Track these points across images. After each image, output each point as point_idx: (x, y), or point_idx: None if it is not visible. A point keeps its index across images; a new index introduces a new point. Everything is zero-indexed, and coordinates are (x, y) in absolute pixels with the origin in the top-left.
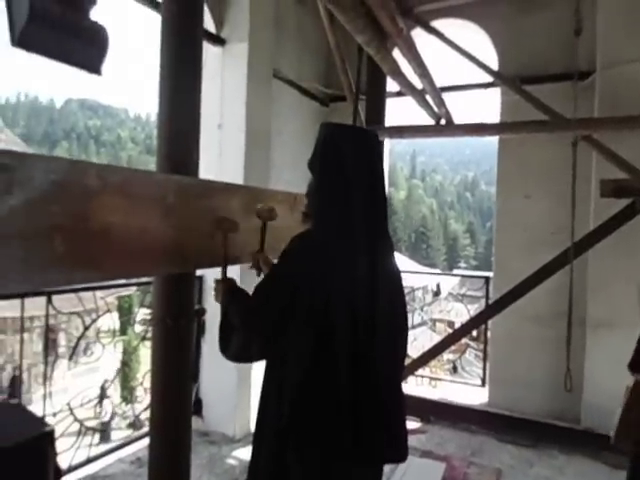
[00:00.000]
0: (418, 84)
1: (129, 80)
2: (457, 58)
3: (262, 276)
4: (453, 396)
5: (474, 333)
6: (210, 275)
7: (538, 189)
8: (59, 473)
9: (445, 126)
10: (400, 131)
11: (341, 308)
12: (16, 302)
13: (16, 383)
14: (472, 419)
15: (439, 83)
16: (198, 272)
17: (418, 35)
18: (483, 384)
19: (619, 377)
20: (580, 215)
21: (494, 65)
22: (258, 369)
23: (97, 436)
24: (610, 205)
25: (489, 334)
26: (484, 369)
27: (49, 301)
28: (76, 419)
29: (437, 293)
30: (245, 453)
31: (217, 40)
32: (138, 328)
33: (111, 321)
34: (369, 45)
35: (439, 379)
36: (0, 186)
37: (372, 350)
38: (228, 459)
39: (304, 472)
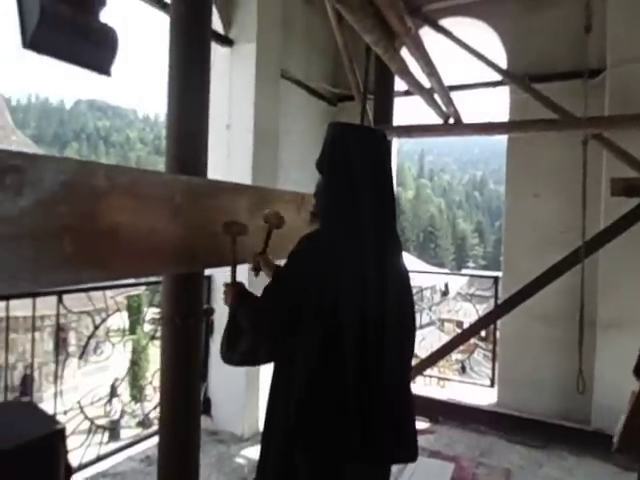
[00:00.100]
0: (426, 83)
1: (138, 81)
2: (465, 57)
3: (261, 276)
4: (462, 396)
5: (483, 333)
6: (218, 275)
7: (547, 188)
8: (70, 470)
9: (453, 125)
10: (408, 130)
11: (349, 308)
12: (27, 301)
13: (27, 381)
14: (481, 419)
15: (447, 82)
16: (207, 272)
17: (426, 34)
18: (492, 384)
19: (630, 378)
20: (590, 214)
21: (503, 63)
22: (266, 369)
23: (106, 434)
24: (621, 204)
25: (498, 334)
26: (493, 369)
27: (60, 300)
28: (86, 417)
29: (445, 293)
30: (253, 452)
31: (225, 41)
32: (147, 327)
33: (120, 320)
34: (377, 44)
35: (447, 379)
36: (11, 187)
37: (381, 350)
38: (237, 458)
39: (312, 472)
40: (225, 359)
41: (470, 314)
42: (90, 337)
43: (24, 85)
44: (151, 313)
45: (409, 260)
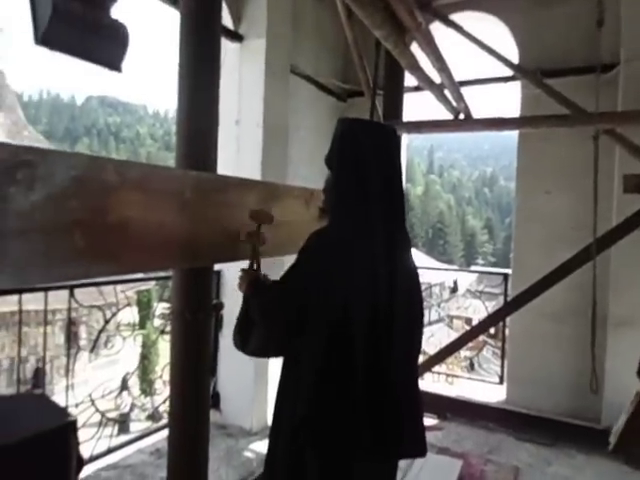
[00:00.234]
0: (436, 78)
1: (148, 76)
2: (476, 52)
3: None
4: (470, 393)
5: (492, 330)
6: (228, 270)
7: (559, 184)
8: (81, 462)
9: (464, 120)
10: (418, 126)
11: (359, 305)
12: (39, 295)
13: (39, 374)
14: (490, 417)
15: (458, 77)
16: (216, 267)
17: (436, 29)
18: (501, 381)
19: None
20: (602, 211)
21: (514, 58)
22: (275, 363)
23: (116, 427)
24: (633, 201)
25: (507, 331)
26: (502, 366)
27: (72, 294)
28: (97, 410)
29: (454, 290)
30: (262, 446)
31: (235, 36)
32: (157, 322)
33: (131, 315)
34: (387, 40)
35: (456, 376)
36: (23, 182)
37: (390, 346)
38: (245, 452)
39: (321, 467)
40: (237, 346)
41: (479, 311)
42: (101, 331)
43: (36, 81)
44: (161, 308)
45: (418, 256)
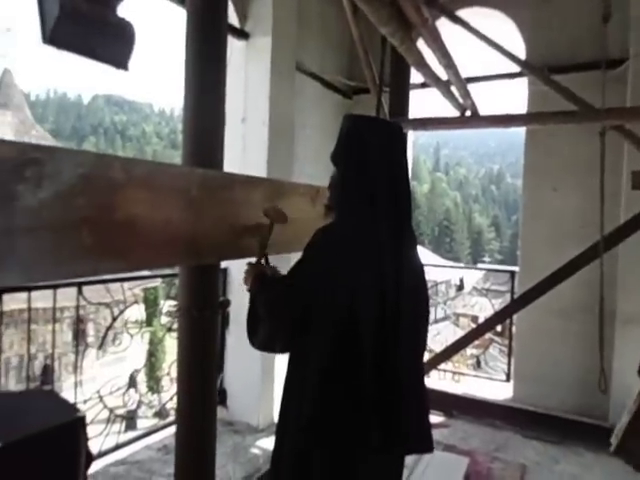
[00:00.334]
0: (443, 75)
1: (154, 74)
2: (483, 48)
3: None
4: (477, 391)
5: (499, 328)
6: (234, 267)
7: (566, 181)
8: (90, 457)
9: (470, 117)
10: (424, 123)
11: (365, 303)
12: (47, 293)
13: (48, 371)
14: (496, 414)
15: (464, 74)
16: (222, 264)
17: (443, 25)
18: (508, 379)
19: None
20: (610, 208)
21: (521, 54)
22: (282, 360)
23: (124, 424)
24: None
25: (514, 329)
26: (509, 364)
27: (80, 292)
28: (106, 406)
29: (461, 287)
30: (268, 443)
31: (241, 34)
32: (164, 320)
33: (138, 312)
34: (393, 36)
35: (462, 374)
36: (31, 179)
37: (396, 344)
38: (252, 448)
39: (327, 467)
40: (250, 339)
41: (485, 309)
42: (108, 328)
43: (43, 80)
44: (167, 305)
45: (424, 254)
